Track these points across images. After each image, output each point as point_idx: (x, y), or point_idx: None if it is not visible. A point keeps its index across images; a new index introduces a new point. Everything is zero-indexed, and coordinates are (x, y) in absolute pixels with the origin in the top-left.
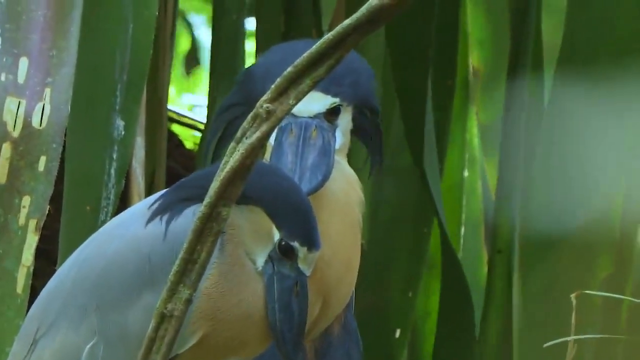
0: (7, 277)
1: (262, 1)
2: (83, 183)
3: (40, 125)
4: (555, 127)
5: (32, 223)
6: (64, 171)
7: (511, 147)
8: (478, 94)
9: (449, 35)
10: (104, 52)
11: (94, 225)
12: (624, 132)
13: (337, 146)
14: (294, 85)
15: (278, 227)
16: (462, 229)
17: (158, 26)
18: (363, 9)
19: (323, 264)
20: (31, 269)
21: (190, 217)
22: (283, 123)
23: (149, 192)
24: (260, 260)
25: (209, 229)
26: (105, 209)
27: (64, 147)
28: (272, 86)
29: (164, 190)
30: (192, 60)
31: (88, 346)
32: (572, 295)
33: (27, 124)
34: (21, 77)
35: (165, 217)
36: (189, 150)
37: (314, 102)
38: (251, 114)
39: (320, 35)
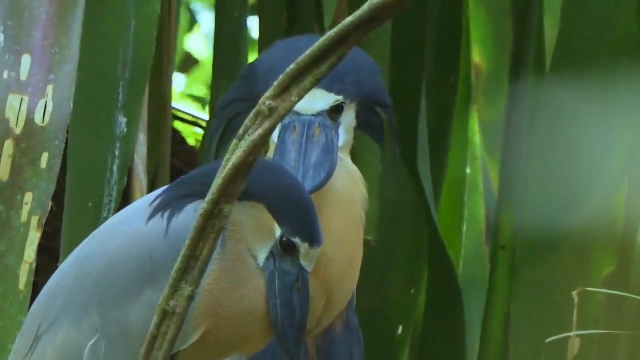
0: (9, 273)
1: None
2: (85, 180)
3: (43, 122)
4: (557, 124)
5: (34, 219)
6: (66, 168)
7: (513, 144)
8: (480, 90)
9: (451, 33)
10: (107, 49)
11: (96, 221)
12: (627, 129)
13: (340, 143)
14: (296, 82)
15: (279, 223)
16: (464, 226)
17: (161, 22)
18: (364, 7)
19: (326, 260)
20: (33, 266)
21: (191, 213)
22: (286, 121)
23: (151, 188)
24: (262, 256)
25: (210, 226)
26: (108, 206)
27: (66, 143)
28: (274, 83)
29: (165, 187)
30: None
31: (90, 343)
32: (574, 292)
33: (29, 120)
34: (23, 74)
35: (166, 214)
36: (191, 147)
37: (317, 100)
38: (253, 110)
39: (322, 32)
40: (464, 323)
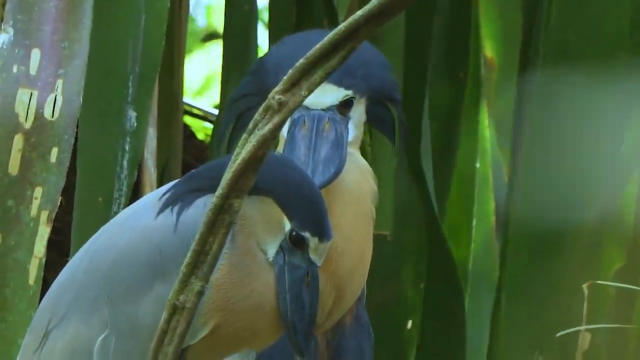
0: (19, 268)
1: None
2: (95, 174)
3: (52, 116)
4: (566, 118)
5: (44, 214)
6: (76, 162)
7: (523, 139)
8: (492, 85)
9: (460, 29)
10: (116, 43)
11: (106, 216)
12: (637, 123)
13: (350, 138)
14: (306, 77)
15: (289, 218)
16: (474, 221)
17: (171, 17)
18: (374, 1)
19: (336, 255)
20: (43, 261)
21: (201, 207)
22: (295, 115)
23: (160, 183)
24: (272, 251)
25: (220, 221)
26: (118, 201)
27: (76, 138)
28: (284, 77)
29: (175, 181)
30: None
31: (100, 338)
32: (584, 286)
33: (39, 115)
34: (33, 69)
35: (176, 208)
36: (201, 142)
37: (327, 95)
38: (263, 105)
39: (332, 25)
40: (464, 321)
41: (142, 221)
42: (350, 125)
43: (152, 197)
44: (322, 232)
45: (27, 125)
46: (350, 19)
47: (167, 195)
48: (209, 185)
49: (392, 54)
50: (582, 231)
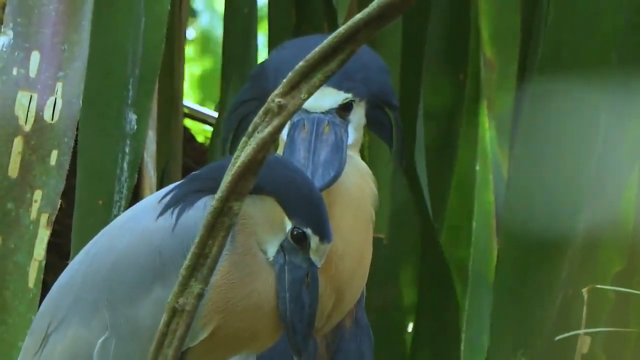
0: (19, 271)
1: None
2: (95, 177)
3: (52, 119)
4: (565, 121)
5: (44, 217)
6: (76, 165)
7: (522, 141)
8: (493, 86)
9: (460, 31)
10: (116, 46)
11: (106, 219)
12: (637, 126)
13: (349, 141)
14: (306, 80)
15: (290, 217)
16: (474, 222)
17: (171, 20)
18: (374, 4)
19: (336, 258)
20: (43, 263)
21: (201, 209)
22: (295, 119)
23: (160, 186)
24: (272, 250)
25: (220, 224)
26: (118, 203)
27: (76, 141)
28: (284, 80)
29: (176, 183)
30: None
31: (100, 341)
32: (584, 290)
33: (38, 118)
34: (33, 71)
35: (176, 210)
36: (201, 144)
37: (326, 98)
38: (263, 108)
39: (332, 29)
40: (458, 323)
41: (142, 223)
42: (350, 129)
43: (152, 199)
44: (323, 232)
45: (27, 128)
46: (350, 22)
47: (168, 197)
48: (210, 186)
49: (389, 56)
50: (581, 234)
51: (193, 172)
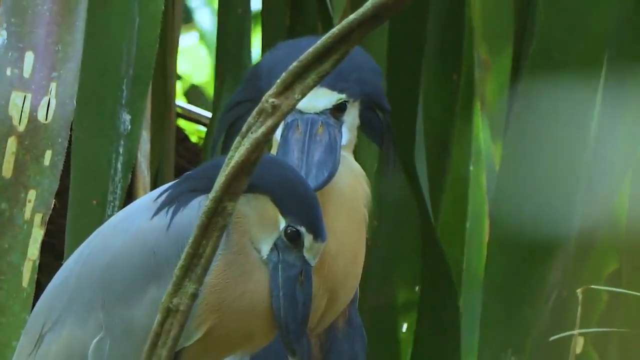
0: (13, 271)
1: None
2: (89, 177)
3: (46, 119)
4: (559, 121)
5: (38, 217)
6: (70, 165)
7: (515, 140)
8: (487, 86)
9: (453, 32)
10: (110, 46)
11: (100, 219)
12: (630, 126)
13: (343, 142)
14: (300, 80)
15: (284, 215)
16: (467, 224)
17: (165, 20)
18: (368, 4)
19: (329, 258)
20: (37, 263)
21: (195, 209)
22: (289, 119)
23: (154, 186)
24: (266, 249)
25: (214, 224)
26: (112, 204)
27: (69, 141)
28: (278, 81)
29: (170, 183)
30: None
31: (94, 341)
32: (578, 291)
33: (32, 118)
34: (27, 72)
35: (171, 209)
36: (194, 145)
37: (320, 99)
38: (256, 108)
39: (326, 29)
40: (459, 322)
41: (136, 224)
42: (344, 129)
43: (146, 199)
44: (317, 230)
45: (21, 128)
46: (344, 22)
47: (163, 197)
48: (204, 185)
49: (380, 57)
50: (575, 235)
51: (187, 172)
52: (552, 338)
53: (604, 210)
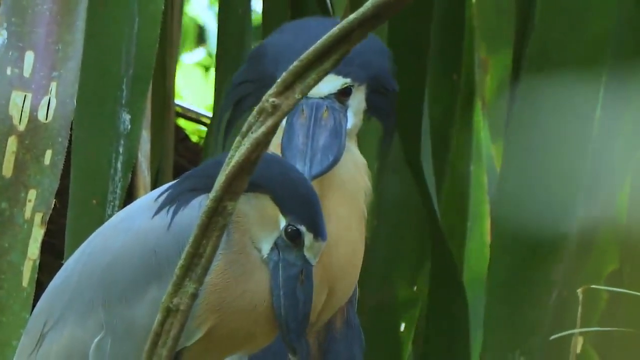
0: (13, 270)
1: None
2: (89, 177)
3: (46, 119)
4: (560, 120)
5: (38, 217)
6: (70, 165)
7: (516, 140)
8: (487, 86)
9: (454, 30)
10: (110, 46)
11: (100, 219)
12: (630, 126)
13: (348, 126)
14: (300, 80)
15: (284, 214)
16: (468, 223)
17: (164, 20)
18: (368, 4)
19: (329, 248)
20: (37, 263)
21: (196, 208)
22: None
23: (154, 185)
24: (266, 248)
25: (214, 223)
26: (112, 203)
27: (70, 140)
28: (278, 80)
29: (170, 183)
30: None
31: (95, 340)
32: (579, 290)
33: (32, 117)
34: (27, 71)
35: (172, 209)
36: (195, 144)
37: (325, 83)
38: (257, 108)
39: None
40: (467, 320)
41: (137, 223)
42: (349, 113)
43: (147, 199)
44: (318, 229)
45: (21, 127)
46: (344, 22)
47: (163, 197)
48: (205, 184)
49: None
50: (575, 234)
51: (187, 172)
52: (552, 337)
53: (605, 209)
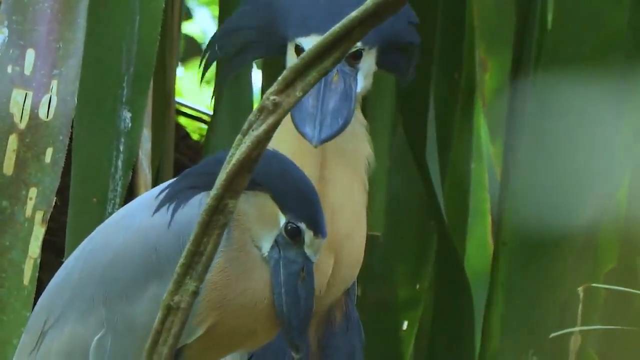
0: (14, 268)
1: None
2: (90, 175)
3: (47, 117)
4: (559, 119)
5: (39, 215)
6: (71, 163)
7: (516, 139)
8: (486, 85)
9: (455, 29)
10: (111, 44)
11: (101, 217)
12: (629, 125)
13: (358, 89)
14: (301, 78)
15: (284, 211)
16: (469, 221)
17: (165, 18)
18: (369, 2)
19: (332, 214)
20: (38, 261)
21: (196, 206)
22: None
23: (155, 183)
24: (266, 246)
25: (215, 221)
26: (113, 201)
27: (70, 138)
28: (279, 78)
29: (171, 180)
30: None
31: (96, 337)
32: (579, 289)
33: (33, 115)
34: (28, 69)
35: (172, 206)
36: (195, 142)
37: None
38: (257, 106)
39: None
40: (473, 318)
41: (137, 221)
42: (359, 77)
43: (148, 196)
44: (317, 226)
45: (22, 125)
46: (345, 20)
47: (163, 194)
48: (205, 181)
49: None
50: (574, 233)
51: (187, 169)
52: (552, 335)
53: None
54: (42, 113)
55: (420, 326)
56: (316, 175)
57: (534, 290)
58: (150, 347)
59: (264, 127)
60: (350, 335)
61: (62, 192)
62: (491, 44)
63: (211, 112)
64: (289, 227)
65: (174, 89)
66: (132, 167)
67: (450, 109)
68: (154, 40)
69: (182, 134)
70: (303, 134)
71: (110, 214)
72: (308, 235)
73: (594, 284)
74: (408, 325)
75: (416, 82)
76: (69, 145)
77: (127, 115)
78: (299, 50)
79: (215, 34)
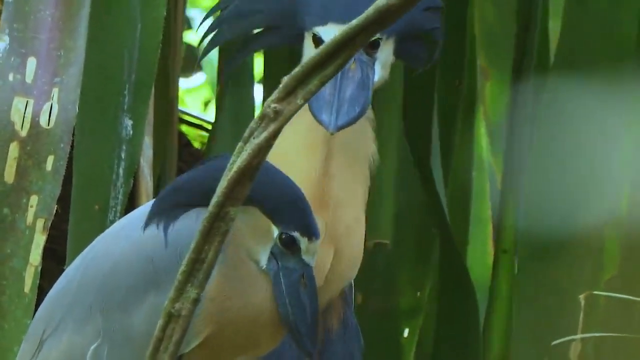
0: (15, 276)
1: None
2: (91, 183)
3: (48, 124)
4: (560, 126)
5: (40, 222)
6: (72, 171)
7: (516, 147)
8: (487, 93)
9: (456, 36)
10: (112, 52)
11: (102, 225)
12: (630, 131)
13: (375, 79)
14: (302, 86)
15: (276, 223)
16: (470, 228)
17: (167, 26)
18: (370, 9)
19: (333, 203)
20: (39, 269)
21: (193, 217)
22: None
23: (157, 191)
24: (263, 259)
25: (216, 229)
26: (114, 209)
27: (72, 146)
28: (280, 86)
29: (161, 192)
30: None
31: (92, 347)
32: (581, 296)
33: (34, 123)
34: (29, 77)
35: (161, 223)
36: (197, 150)
37: None
38: (259, 114)
39: None
40: (478, 324)
41: (137, 231)
42: (377, 66)
43: (149, 206)
44: (310, 231)
45: (23, 133)
46: (346, 28)
47: (152, 208)
48: (194, 200)
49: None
50: (574, 240)
51: (177, 179)
52: (554, 343)
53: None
54: (43, 121)
55: (421, 334)
56: (321, 169)
57: (535, 298)
58: (151, 355)
59: (265, 134)
60: (348, 342)
61: (63, 199)
62: (492, 52)
63: (213, 120)
64: (284, 238)
65: (175, 96)
66: (134, 174)
67: (452, 118)
68: (156, 48)
69: (184, 141)
70: (320, 121)
71: (112, 221)
72: (303, 242)
73: (595, 292)
74: (409, 333)
75: (420, 90)
76: (70, 153)
77: (129, 122)
78: (316, 39)
79: (224, 13)
